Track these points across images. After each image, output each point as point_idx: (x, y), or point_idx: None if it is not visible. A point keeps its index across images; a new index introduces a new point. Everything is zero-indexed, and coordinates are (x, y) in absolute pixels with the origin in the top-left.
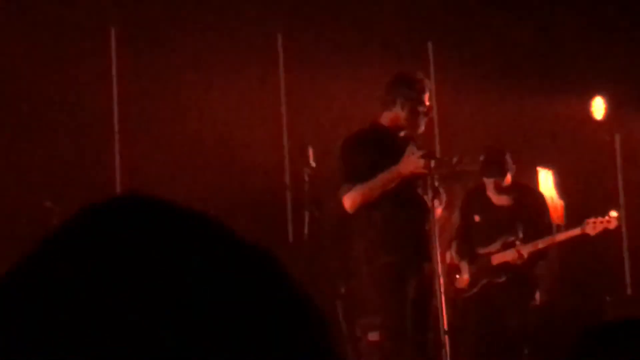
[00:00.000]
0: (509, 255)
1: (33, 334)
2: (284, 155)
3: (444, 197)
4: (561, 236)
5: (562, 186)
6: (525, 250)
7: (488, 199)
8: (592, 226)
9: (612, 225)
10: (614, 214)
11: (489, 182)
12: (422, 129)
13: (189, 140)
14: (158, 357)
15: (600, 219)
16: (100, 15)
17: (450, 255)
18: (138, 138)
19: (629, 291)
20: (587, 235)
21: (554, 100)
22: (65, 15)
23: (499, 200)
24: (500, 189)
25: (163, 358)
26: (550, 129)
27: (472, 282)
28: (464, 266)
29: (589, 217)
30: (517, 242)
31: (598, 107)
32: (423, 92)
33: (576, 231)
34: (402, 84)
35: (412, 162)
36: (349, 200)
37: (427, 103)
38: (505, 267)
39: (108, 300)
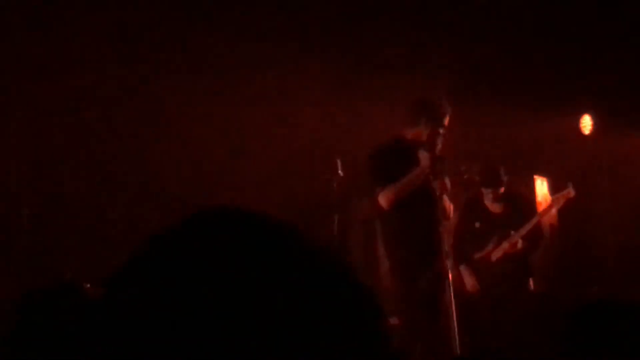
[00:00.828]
0: (504, 247)
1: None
2: (314, 166)
3: (448, 184)
4: (539, 216)
5: (555, 191)
6: (517, 237)
7: (485, 208)
8: (557, 200)
9: (571, 194)
10: (569, 186)
11: (487, 192)
12: (439, 147)
13: (228, 153)
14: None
15: (561, 193)
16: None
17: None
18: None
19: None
20: (553, 208)
21: (548, 118)
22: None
23: (495, 208)
24: (496, 198)
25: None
26: (544, 143)
27: (480, 286)
28: (465, 270)
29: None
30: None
31: (586, 124)
32: (444, 116)
33: (547, 209)
34: (428, 106)
35: (424, 158)
36: (384, 199)
37: (445, 125)
38: (502, 259)
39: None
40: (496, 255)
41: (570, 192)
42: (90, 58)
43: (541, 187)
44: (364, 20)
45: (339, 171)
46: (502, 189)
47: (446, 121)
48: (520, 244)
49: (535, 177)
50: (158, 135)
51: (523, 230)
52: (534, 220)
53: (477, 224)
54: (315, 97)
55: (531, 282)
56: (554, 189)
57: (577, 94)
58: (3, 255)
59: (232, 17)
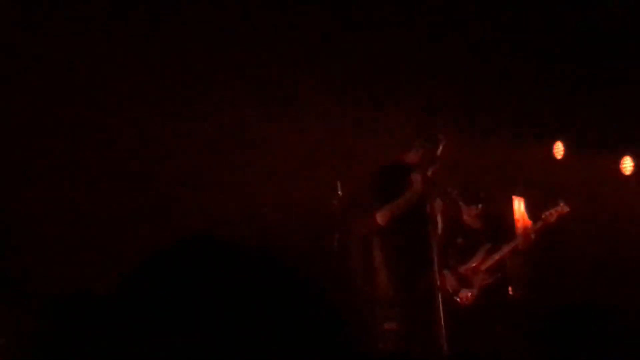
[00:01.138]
0: (515, 242)
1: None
2: (318, 187)
3: (439, 204)
4: (540, 222)
5: (532, 211)
6: (527, 234)
7: (465, 224)
8: (549, 216)
9: (564, 210)
10: (562, 203)
11: (469, 209)
12: (432, 171)
13: (231, 168)
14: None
15: (554, 209)
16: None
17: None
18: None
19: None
20: (549, 224)
21: (525, 144)
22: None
23: (474, 224)
24: (475, 215)
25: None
26: (521, 166)
27: (469, 294)
28: (455, 280)
29: (551, 233)
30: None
31: (559, 150)
32: (437, 147)
33: (540, 223)
34: (423, 134)
35: (417, 181)
36: (382, 217)
37: (438, 154)
38: (491, 269)
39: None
40: (486, 264)
41: (564, 208)
42: (93, 59)
43: (519, 207)
44: (366, 45)
45: (339, 192)
46: (479, 206)
47: (438, 151)
48: (523, 244)
49: (514, 197)
50: (162, 145)
51: (521, 237)
52: (535, 226)
53: (460, 240)
54: (319, 114)
55: (510, 289)
56: (529, 208)
57: (549, 122)
58: (15, 262)
59: (238, 25)
